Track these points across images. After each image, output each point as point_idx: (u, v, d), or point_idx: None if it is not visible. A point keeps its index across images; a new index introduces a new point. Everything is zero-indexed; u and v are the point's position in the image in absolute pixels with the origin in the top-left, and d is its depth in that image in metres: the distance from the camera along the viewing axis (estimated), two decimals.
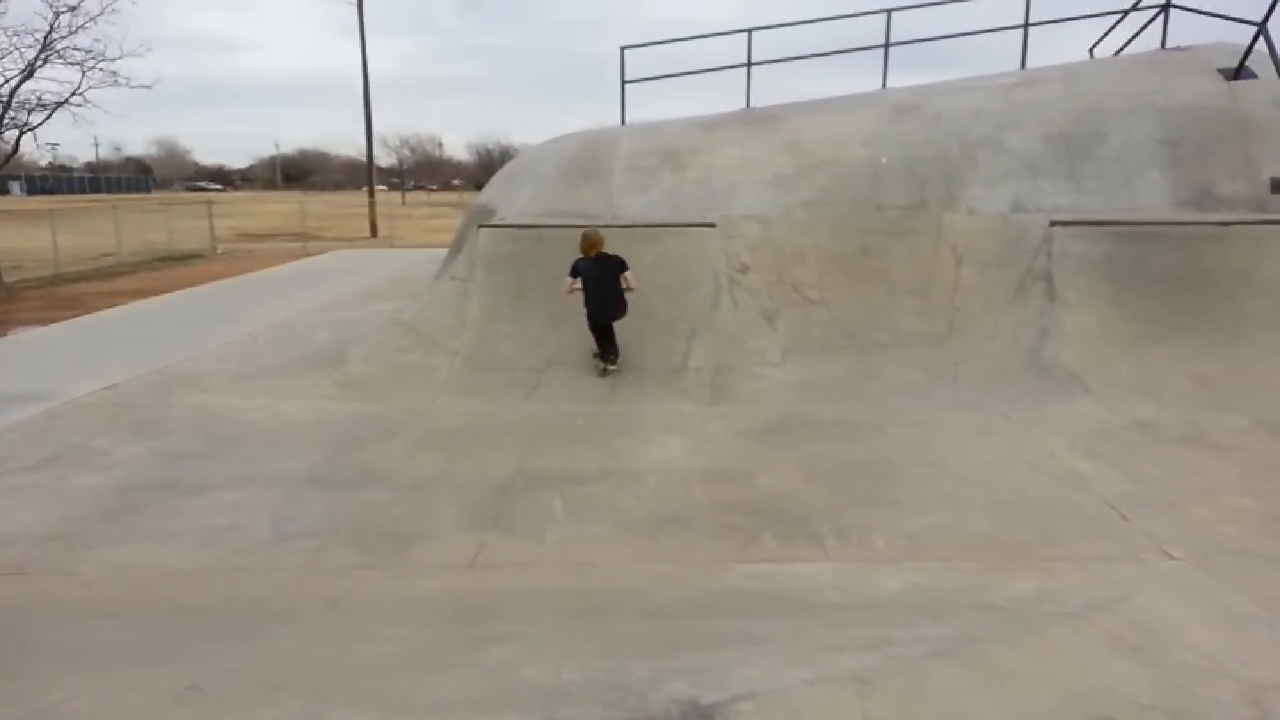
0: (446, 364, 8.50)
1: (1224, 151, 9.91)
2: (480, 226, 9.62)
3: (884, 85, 12.59)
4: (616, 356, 8.47)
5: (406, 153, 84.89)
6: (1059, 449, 6.53)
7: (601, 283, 8.38)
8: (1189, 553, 4.71)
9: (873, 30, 13.40)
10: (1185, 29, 11.14)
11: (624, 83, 12.07)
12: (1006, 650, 3.47)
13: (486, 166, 75.55)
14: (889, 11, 12.31)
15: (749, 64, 12.28)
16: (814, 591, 4.28)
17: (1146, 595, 4.19)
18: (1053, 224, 9.25)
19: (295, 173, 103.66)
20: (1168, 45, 11.89)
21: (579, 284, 8.37)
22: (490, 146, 77.81)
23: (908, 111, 10.88)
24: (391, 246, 27.13)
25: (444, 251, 23.34)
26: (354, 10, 33.67)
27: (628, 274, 8.45)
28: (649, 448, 6.61)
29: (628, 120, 12.30)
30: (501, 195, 10.88)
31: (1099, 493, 5.65)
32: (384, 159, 78.17)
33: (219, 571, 4.61)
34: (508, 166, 12.30)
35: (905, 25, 12.32)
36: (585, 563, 4.67)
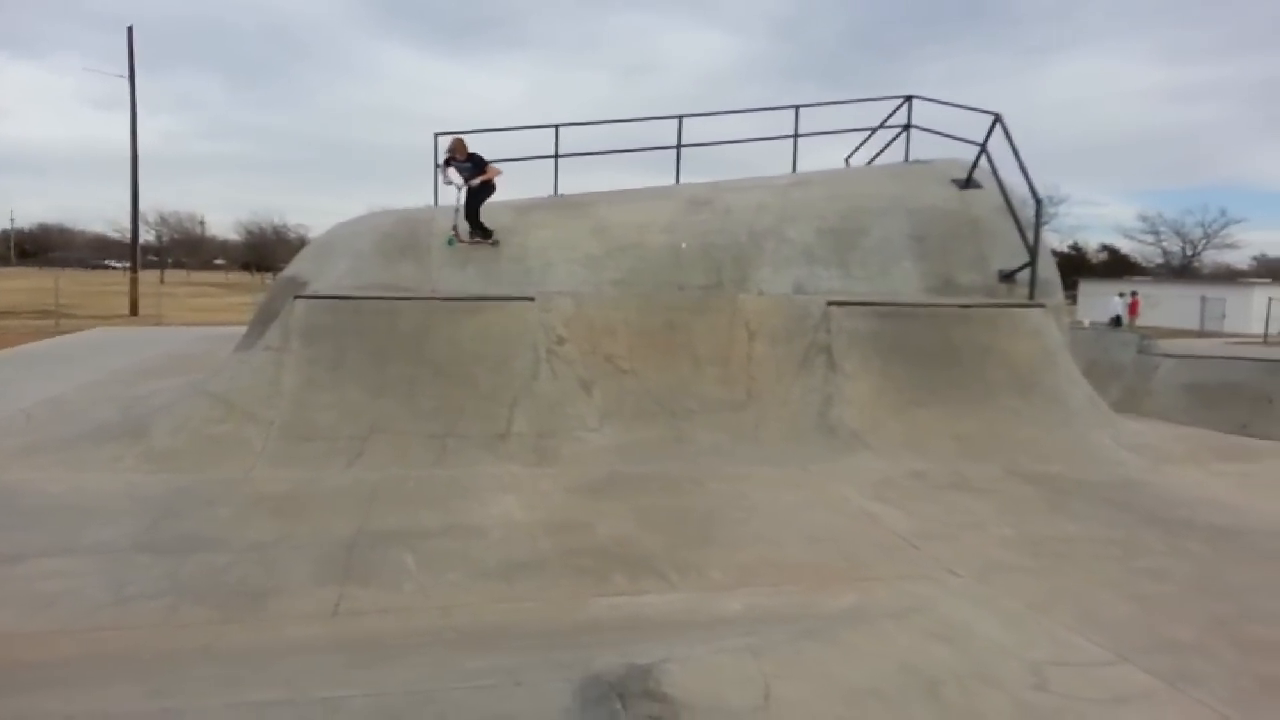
0: (261, 434, 8.27)
1: (961, 247, 11.71)
2: (297, 297, 9.51)
3: (677, 181, 13.80)
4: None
5: (165, 230, 79.52)
6: (852, 494, 7.41)
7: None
8: (969, 571, 5.57)
9: (661, 133, 14.70)
10: (923, 146, 13.26)
11: (437, 166, 12.43)
12: (851, 635, 4.08)
13: (258, 246, 72.20)
14: (680, 117, 13.64)
15: (556, 155, 13.11)
16: (669, 615, 4.69)
17: (944, 604, 4.95)
18: (829, 304, 10.48)
19: (33, 247, 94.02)
20: (910, 158, 13.94)
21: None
22: (263, 226, 74.50)
23: (702, 204, 12.01)
24: (159, 325, 25.34)
25: (220, 330, 22.52)
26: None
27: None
28: (487, 506, 6.82)
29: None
30: (313, 268, 10.81)
31: (890, 528, 6.50)
32: (141, 235, 72.69)
33: (65, 632, 4.34)
34: (318, 241, 12.21)
35: (693, 131, 13.61)
36: (449, 606, 4.82)
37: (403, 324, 9.57)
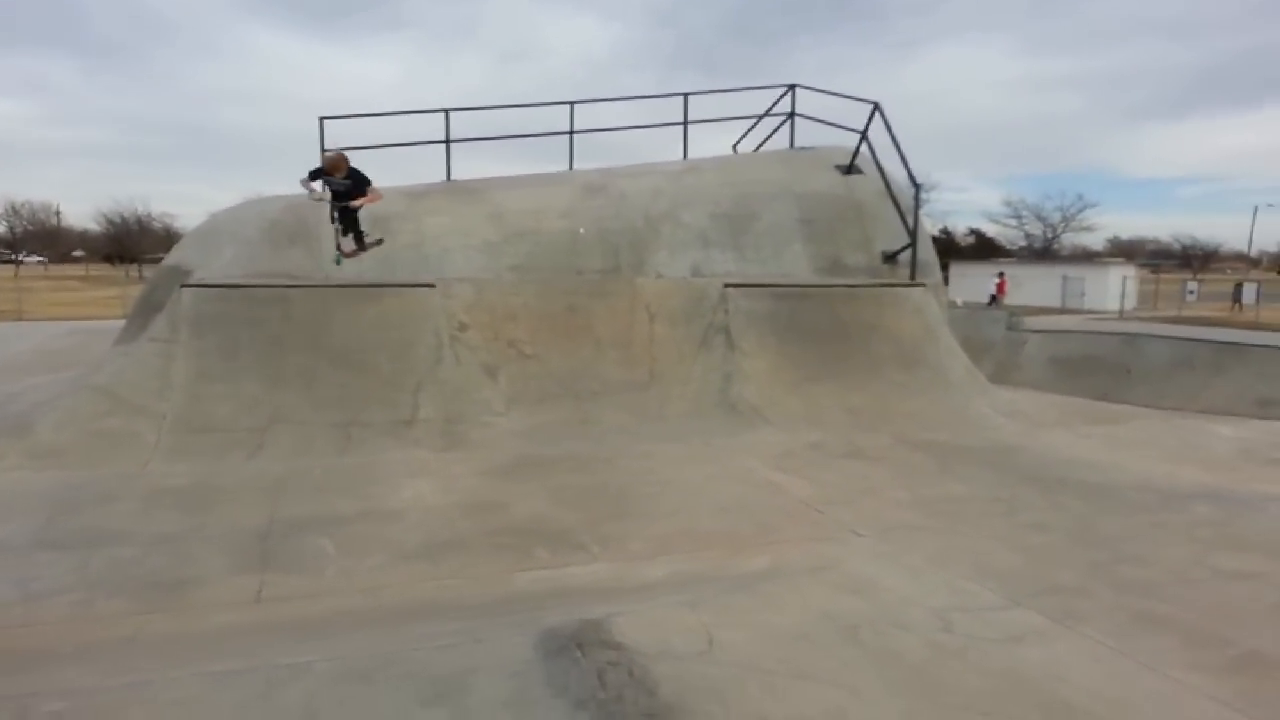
0: (153, 428, 7.95)
1: (847, 230, 12.20)
2: (184, 286, 9.14)
3: (571, 167, 13.85)
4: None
5: (17, 221, 74.07)
6: (756, 466, 7.68)
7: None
8: (871, 531, 5.89)
9: (547, 120, 14.72)
10: (806, 133, 13.76)
11: (324, 150, 12.09)
12: (773, 590, 4.30)
13: (120, 237, 67.90)
14: (572, 103, 13.68)
15: (448, 140, 12.92)
16: (595, 584, 4.82)
17: (851, 561, 5.24)
18: (726, 286, 10.77)
19: None
20: (795, 145, 14.40)
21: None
22: (125, 215, 70.10)
23: (597, 190, 12.11)
24: (20, 320, 23.74)
25: (89, 324, 21.27)
26: None
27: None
28: (400, 490, 6.77)
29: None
30: (198, 256, 10.39)
31: (795, 495, 6.79)
32: None
33: None
34: (201, 229, 11.72)
35: (579, 118, 13.66)
36: (376, 587, 4.82)
37: (298, 312, 9.33)
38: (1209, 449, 8.70)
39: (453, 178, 12.86)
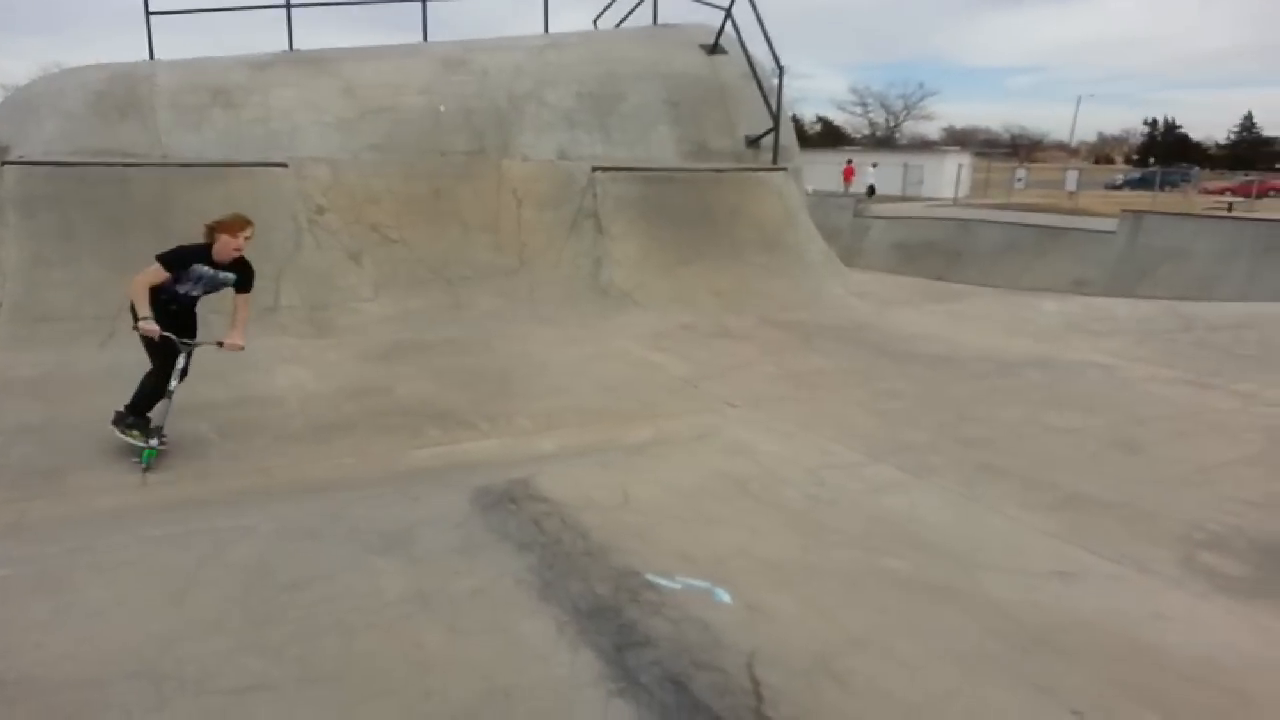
0: None
1: (711, 113, 12.30)
2: (4, 163, 8.33)
3: (425, 39, 13.22)
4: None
5: None
6: (632, 347, 7.93)
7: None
8: (744, 402, 6.26)
9: None
10: (668, 9, 13.62)
11: (149, 14, 11.06)
12: (672, 453, 4.64)
13: None
14: None
15: (289, 4, 12.02)
16: (490, 457, 4.96)
17: (730, 429, 5.59)
18: (594, 169, 10.74)
19: None
20: (659, 22, 14.22)
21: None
22: None
23: (457, 65, 11.65)
24: None
25: None
26: None
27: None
28: (275, 377, 6.63)
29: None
30: (13, 130, 9.42)
31: (672, 373, 7.09)
32: None
33: None
34: (12, 100, 10.61)
35: None
36: (267, 467, 4.79)
37: (137, 193, 8.72)
38: (1037, 322, 9.58)
39: (295, 48, 12.05)
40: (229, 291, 5.41)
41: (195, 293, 5.37)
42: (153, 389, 5.15)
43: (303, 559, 3.36)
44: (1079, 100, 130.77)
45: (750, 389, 6.66)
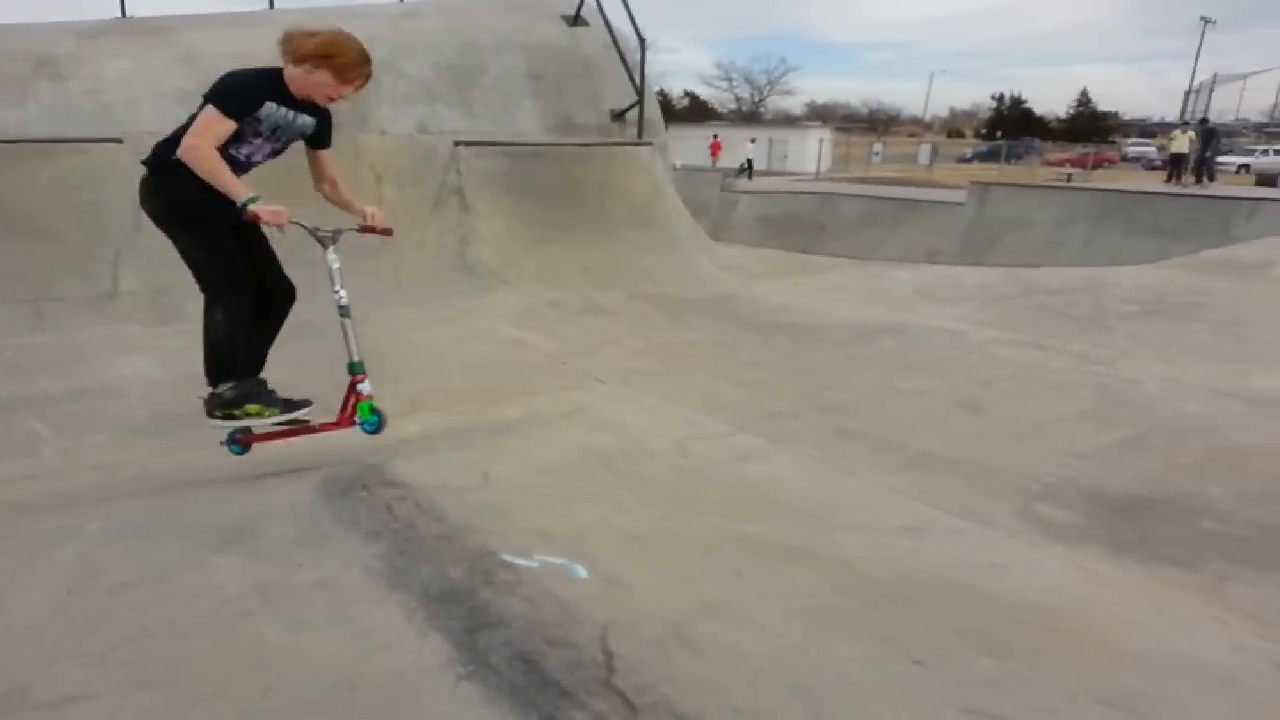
0: None
1: (575, 86, 12.22)
2: None
3: (272, 5, 12.61)
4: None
5: None
6: (500, 326, 7.84)
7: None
8: (612, 378, 6.30)
9: None
10: None
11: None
12: (538, 430, 4.62)
13: None
14: None
15: None
16: (350, 443, 4.76)
17: (598, 405, 5.61)
18: (457, 144, 10.51)
19: None
20: None
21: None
22: None
23: None
24: None
25: None
26: None
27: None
28: (115, 367, 6.24)
29: None
30: None
31: (540, 350, 7.06)
32: None
33: None
34: None
35: None
36: (106, 465, 4.51)
37: None
38: (891, 291, 10.00)
39: (129, 14, 11.29)
40: None
41: (258, 157, 3.97)
42: (241, 327, 3.89)
43: (133, 560, 3.18)
44: (932, 76, 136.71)
45: (618, 364, 6.69)
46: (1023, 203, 23.00)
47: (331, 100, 3.95)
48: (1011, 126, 79.16)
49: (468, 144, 10.55)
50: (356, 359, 4.08)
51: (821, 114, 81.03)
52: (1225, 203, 20.42)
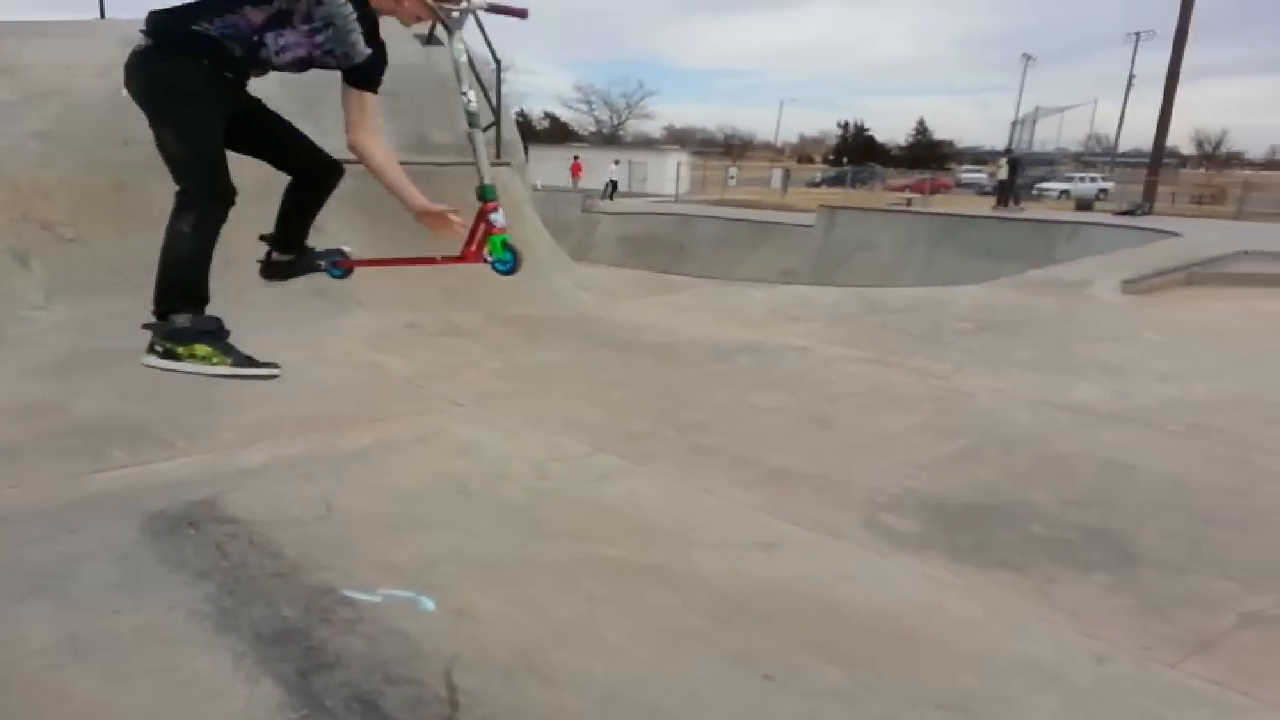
0: None
1: (431, 106, 12.02)
2: None
3: (102, 15, 11.89)
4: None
5: None
6: (353, 349, 7.58)
7: None
8: (470, 401, 6.19)
9: None
10: None
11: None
12: (384, 458, 4.43)
13: None
14: None
15: None
16: (186, 476, 4.52)
17: (455, 428, 5.50)
18: None
19: None
20: None
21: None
22: None
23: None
24: None
25: None
26: None
27: None
28: None
29: None
30: None
31: (395, 374, 6.86)
32: None
33: None
34: None
35: None
36: None
37: None
38: (747, 311, 10.26)
39: None
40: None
41: (287, 56, 3.44)
42: (208, 244, 3.30)
43: None
44: (782, 104, 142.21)
45: (477, 386, 6.58)
46: (868, 226, 24.23)
47: (411, 19, 3.57)
48: (856, 153, 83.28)
49: None
50: (488, 182, 3.61)
51: (679, 138, 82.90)
52: (1049, 226, 22.10)
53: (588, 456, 5.05)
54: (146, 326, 3.39)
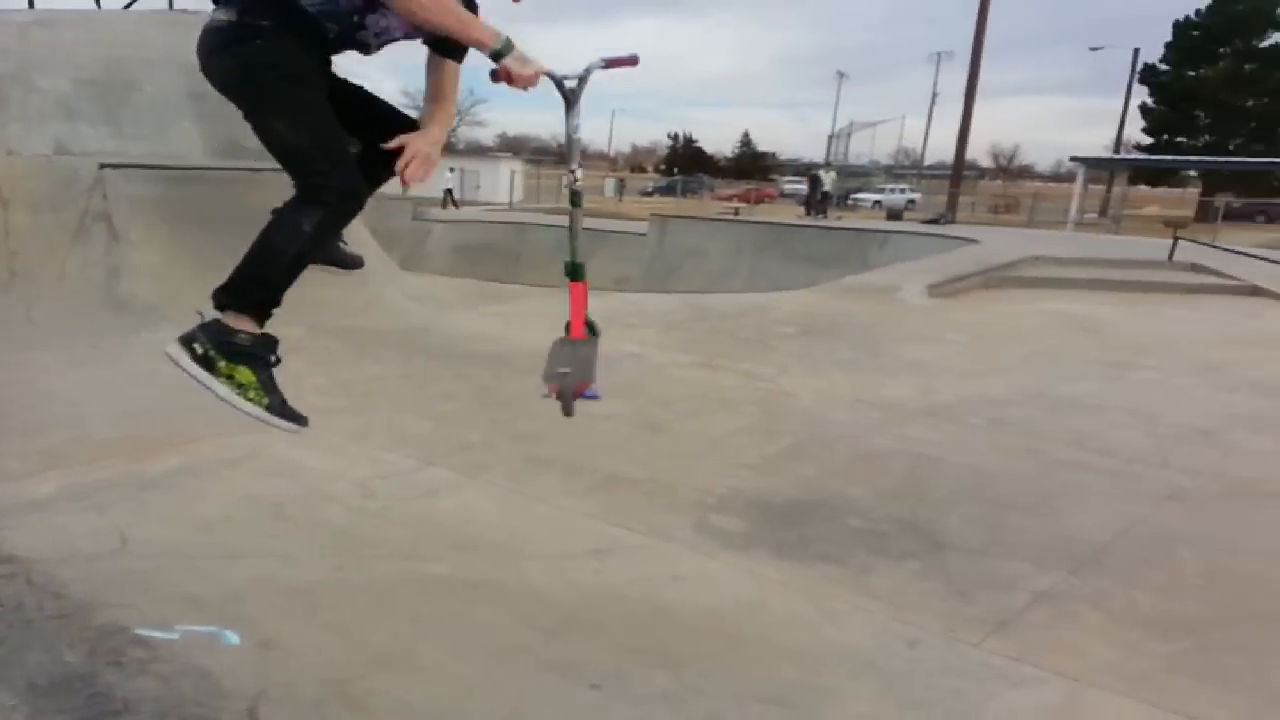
0: None
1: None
2: None
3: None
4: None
5: None
6: (159, 366, 6.87)
7: None
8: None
9: None
10: None
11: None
12: (191, 484, 4.14)
13: None
14: None
15: None
16: None
17: (273, 449, 5.15)
18: (103, 166, 9.37)
19: None
20: (177, 6, 12.86)
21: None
22: None
23: None
24: None
25: None
26: None
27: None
28: None
29: None
30: None
31: (206, 392, 6.42)
32: None
33: None
34: None
35: None
36: None
37: None
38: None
39: None
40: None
41: (397, 34, 3.02)
42: (316, 249, 2.87)
43: None
44: (613, 114, 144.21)
45: (298, 403, 6.13)
46: (698, 234, 24.91)
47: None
48: (686, 163, 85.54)
49: (116, 166, 9.44)
50: (579, 260, 3.65)
51: (513, 146, 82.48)
52: (863, 234, 23.41)
53: (417, 471, 4.91)
54: (204, 325, 3.06)
